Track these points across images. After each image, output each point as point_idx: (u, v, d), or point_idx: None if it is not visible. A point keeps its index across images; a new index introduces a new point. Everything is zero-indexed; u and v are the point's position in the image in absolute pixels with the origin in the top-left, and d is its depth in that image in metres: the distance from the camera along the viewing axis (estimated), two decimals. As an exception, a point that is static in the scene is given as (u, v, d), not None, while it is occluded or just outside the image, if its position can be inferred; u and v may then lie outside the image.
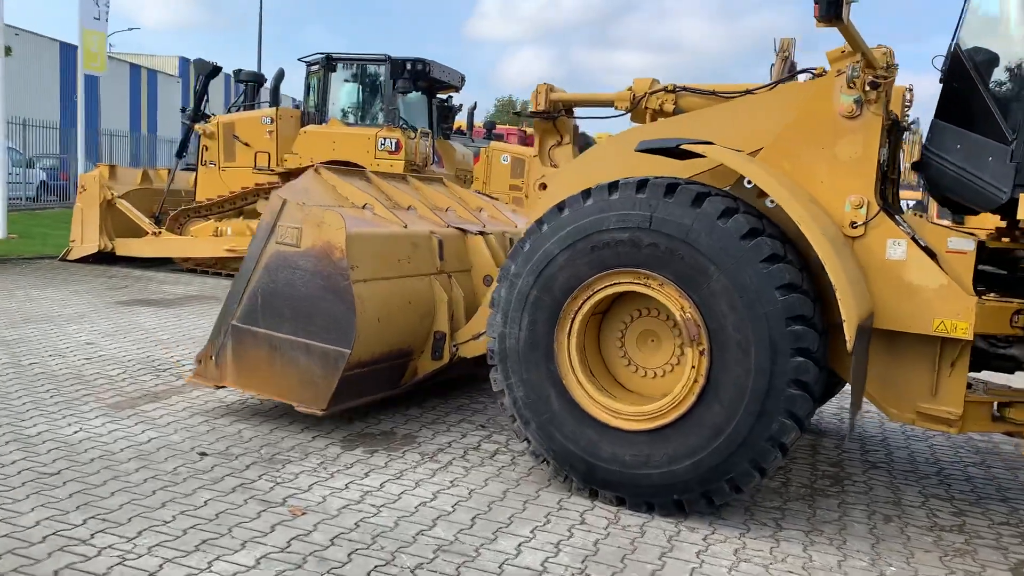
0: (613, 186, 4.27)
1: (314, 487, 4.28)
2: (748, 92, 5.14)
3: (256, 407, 5.58)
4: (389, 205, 5.83)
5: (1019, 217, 3.83)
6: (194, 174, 13.78)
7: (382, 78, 12.33)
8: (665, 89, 5.28)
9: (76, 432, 4.87)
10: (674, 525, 4.11)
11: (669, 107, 5.25)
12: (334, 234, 4.92)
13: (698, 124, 4.68)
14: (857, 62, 4.17)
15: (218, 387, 5.34)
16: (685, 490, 4.09)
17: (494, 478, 4.59)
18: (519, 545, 3.76)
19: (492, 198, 8.18)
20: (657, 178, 4.21)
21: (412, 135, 12.07)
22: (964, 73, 4.21)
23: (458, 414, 5.80)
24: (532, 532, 3.91)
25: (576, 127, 5.82)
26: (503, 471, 4.72)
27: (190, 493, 4.09)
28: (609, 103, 5.52)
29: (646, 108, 5.31)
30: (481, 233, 6.07)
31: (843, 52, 4.33)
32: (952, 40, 4.30)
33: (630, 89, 5.40)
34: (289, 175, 12.32)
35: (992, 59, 4.22)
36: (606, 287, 4.28)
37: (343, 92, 12.83)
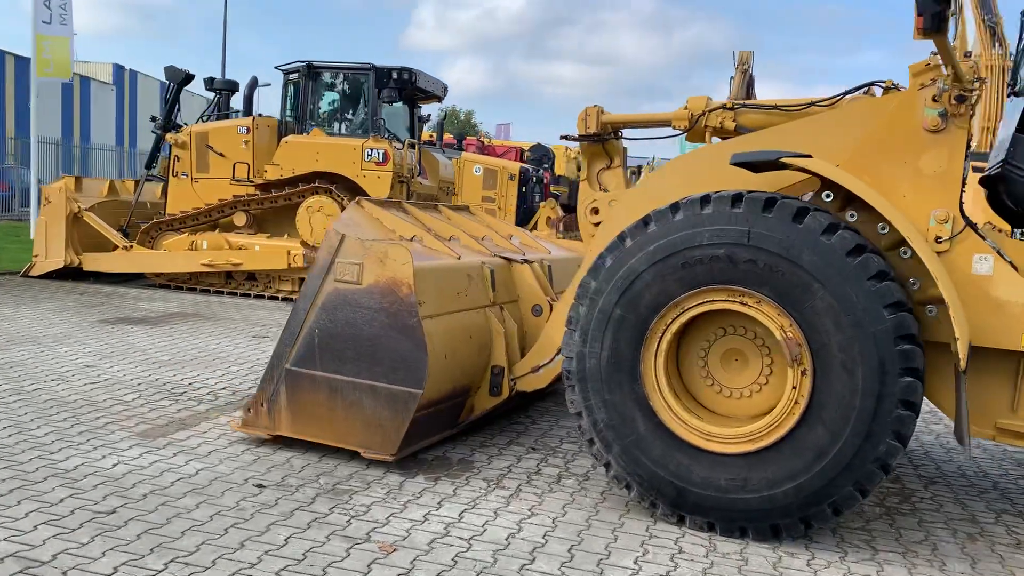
0: (705, 200, 4.14)
1: (392, 520, 4.05)
2: (812, 104, 5.10)
3: (295, 433, 5.30)
4: (435, 236, 5.60)
5: None
6: (162, 185, 13.28)
7: (366, 87, 12.05)
8: (724, 107, 5.19)
9: (116, 465, 4.54)
10: (772, 550, 3.99)
11: (730, 124, 5.16)
12: (400, 269, 4.68)
13: (773, 140, 4.59)
14: (946, 76, 4.13)
15: (272, 436, 5.01)
16: (784, 515, 3.97)
17: (570, 505, 4.41)
18: (629, 577, 3.60)
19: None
20: (753, 192, 4.10)
21: (399, 146, 11.83)
22: None
23: (504, 436, 5.61)
24: (636, 563, 3.75)
25: (625, 150, 5.68)
26: (576, 496, 4.54)
27: (264, 530, 3.82)
28: (666, 123, 5.39)
29: (706, 127, 5.21)
30: (525, 261, 5.89)
31: (927, 65, 4.29)
32: None
33: (686, 108, 5.30)
34: (269, 187, 11.97)
35: None
36: (697, 305, 4.14)
37: (325, 101, 12.50)
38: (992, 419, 4.30)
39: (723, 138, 5.30)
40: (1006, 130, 4.81)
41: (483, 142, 27.12)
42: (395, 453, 4.68)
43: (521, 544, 3.86)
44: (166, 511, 3.96)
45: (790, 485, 3.93)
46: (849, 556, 3.99)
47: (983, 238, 4.27)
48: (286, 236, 11.98)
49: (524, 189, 17.81)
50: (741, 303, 4.07)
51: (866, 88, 5.02)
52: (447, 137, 19.51)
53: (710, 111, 5.20)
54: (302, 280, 11.85)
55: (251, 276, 12.04)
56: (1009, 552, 4.20)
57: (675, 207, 4.21)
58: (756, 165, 4.32)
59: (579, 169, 6.00)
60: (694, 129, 5.26)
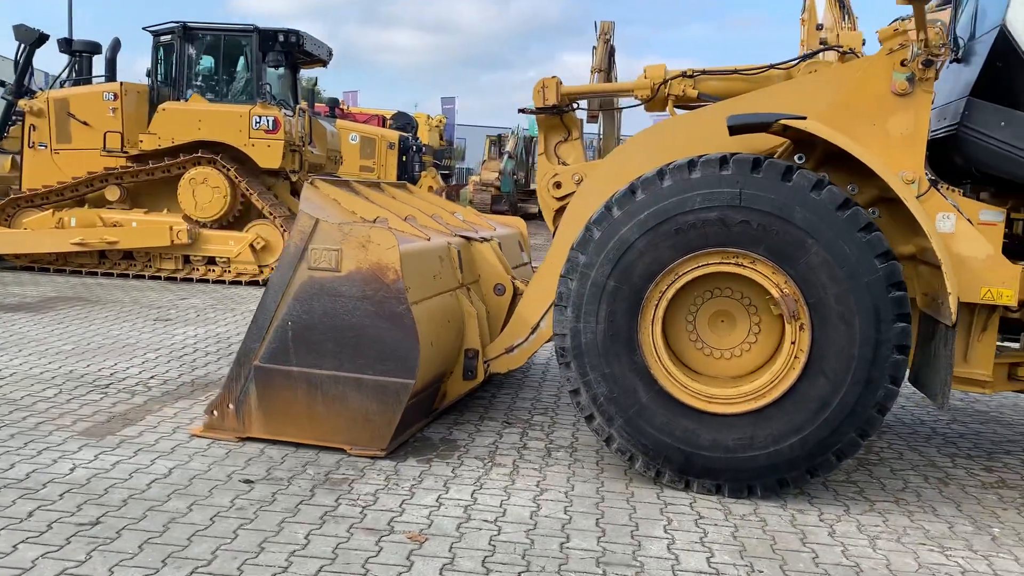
0: (692, 164, 4.13)
1: (405, 507, 3.85)
2: (771, 67, 5.19)
3: (258, 421, 4.93)
4: (395, 216, 5.31)
5: None
6: (11, 157, 12.04)
7: (249, 50, 11.31)
8: (683, 74, 5.20)
9: (74, 469, 4.07)
10: (782, 508, 4.09)
11: (692, 92, 5.18)
12: (385, 254, 4.40)
13: (750, 106, 4.63)
14: (919, 41, 4.28)
15: (242, 440, 4.61)
16: (792, 468, 4.08)
17: (573, 478, 4.35)
18: (668, 547, 3.58)
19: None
20: (738, 154, 4.13)
21: (289, 113, 11.22)
22: (1011, 52, 4.43)
23: (472, 412, 5.46)
24: (667, 532, 3.74)
25: (582, 122, 5.59)
26: (575, 469, 4.48)
27: (277, 529, 3.54)
28: (627, 92, 5.35)
29: (669, 95, 5.20)
30: (484, 239, 5.70)
31: (895, 31, 4.43)
32: (1000, 18, 4.51)
33: (646, 77, 5.27)
34: (145, 158, 11.10)
35: None
36: (692, 270, 4.15)
37: (202, 65, 11.64)
38: None
39: (684, 107, 5.32)
40: (945, 96, 5.05)
41: (342, 109, 26.31)
42: (385, 448, 4.44)
43: (548, 522, 3.76)
44: (158, 517, 3.59)
45: (796, 438, 4.03)
46: (852, 509, 4.15)
47: (945, 198, 4.50)
48: (165, 211, 11.17)
49: (404, 158, 17.41)
50: (736, 264, 4.11)
51: (821, 52, 5.16)
52: (319, 106, 18.73)
53: (671, 79, 5.20)
54: (187, 258, 11.13)
55: (128, 255, 11.16)
56: (980, 492, 4.50)
57: (661, 173, 4.18)
58: (738, 128, 4.34)
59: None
60: (656, 98, 5.25)
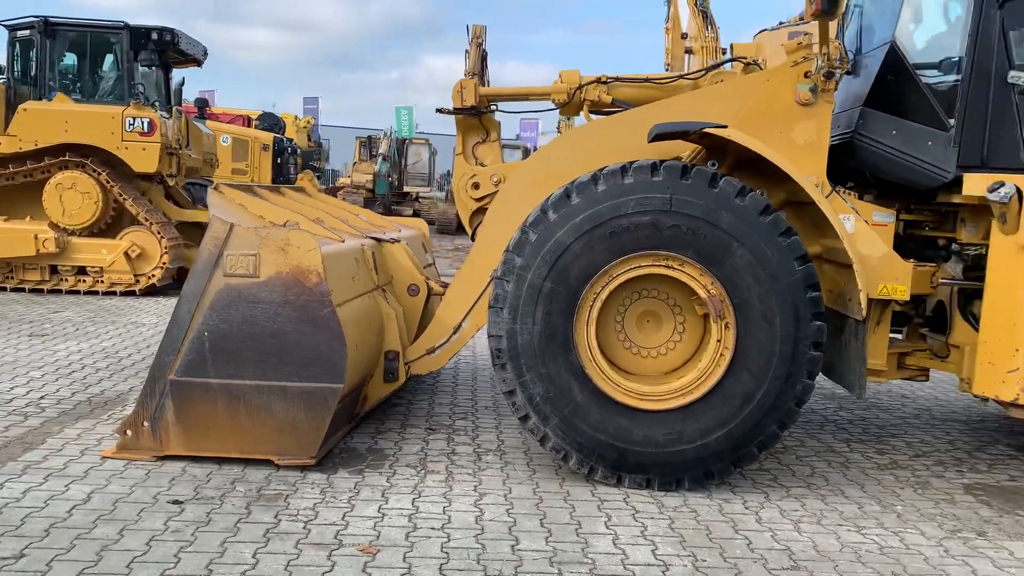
0: (624, 170, 4.28)
1: (349, 519, 3.79)
2: (680, 77, 5.42)
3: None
4: (308, 219, 5.20)
5: (966, 192, 4.49)
6: None
7: (119, 48, 10.70)
8: (598, 80, 5.35)
9: (-20, 500, 3.79)
10: (708, 499, 4.29)
11: (606, 98, 5.34)
12: (306, 257, 4.29)
13: (665, 113, 4.82)
14: (822, 54, 4.58)
15: (159, 459, 4.39)
16: (717, 460, 4.28)
17: (509, 481, 4.40)
18: (614, 543, 3.69)
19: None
20: (668, 161, 4.31)
21: (165, 114, 10.71)
22: (901, 66, 4.81)
23: (393, 419, 5.42)
24: (609, 528, 3.85)
25: (499, 124, 5.65)
26: (508, 472, 4.54)
27: (222, 550, 3.42)
28: (544, 96, 5.45)
29: (584, 100, 5.34)
30: (395, 240, 5.66)
31: (799, 44, 4.73)
32: (890, 35, 4.88)
33: (562, 81, 5.39)
34: (5, 161, 10.34)
35: (929, 53, 4.87)
36: (626, 272, 4.29)
37: (66, 63, 10.93)
38: None
39: (599, 112, 5.48)
40: (839, 106, 5.40)
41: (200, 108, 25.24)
42: (315, 455, 4.36)
43: (495, 526, 3.80)
44: (89, 545, 3.40)
45: (721, 432, 4.24)
46: (771, 496, 4.40)
47: (845, 200, 4.85)
48: (28, 218, 10.42)
49: (279, 160, 16.92)
50: (667, 266, 4.29)
51: (726, 64, 5.43)
52: (185, 106, 17.91)
53: (586, 85, 5.34)
54: (54, 268, 10.46)
55: (-17, 266, 10.36)
56: (878, 473, 4.86)
57: (595, 178, 4.31)
58: (663, 136, 4.52)
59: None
60: (572, 103, 5.38)
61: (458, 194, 5.49)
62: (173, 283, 10.75)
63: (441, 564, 3.40)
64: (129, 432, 4.44)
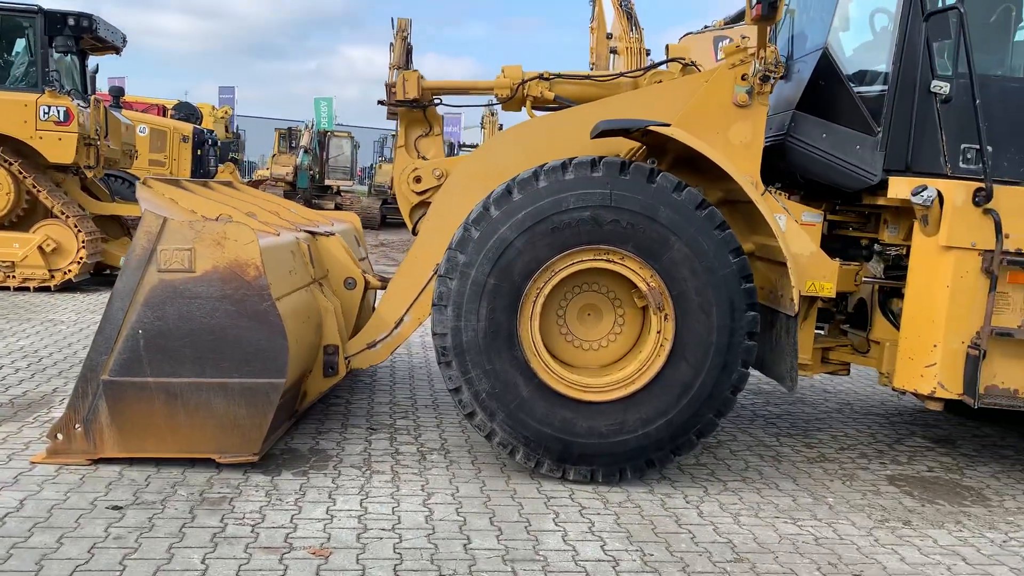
0: (564, 166, 4.35)
1: (297, 522, 3.76)
2: (621, 75, 5.51)
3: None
4: (241, 213, 5.10)
5: (891, 195, 4.69)
6: None
7: (32, 33, 10.23)
8: (540, 76, 5.40)
9: (-95, 510, 3.61)
10: (650, 494, 4.40)
11: (549, 95, 5.39)
12: (243, 250, 4.21)
13: (608, 111, 4.89)
14: (759, 58, 4.73)
15: (94, 462, 4.25)
16: (658, 448, 4.39)
17: (455, 480, 4.42)
18: (564, 539, 3.75)
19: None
20: (607, 157, 4.39)
21: (83, 103, 10.30)
22: (832, 72, 4.99)
23: (332, 419, 5.37)
24: (557, 525, 3.91)
25: (442, 118, 5.63)
26: (453, 471, 4.55)
27: (169, 556, 3.35)
28: (487, 91, 5.47)
29: (527, 96, 5.38)
30: (329, 233, 5.60)
31: (737, 47, 4.88)
32: (822, 41, 5.07)
33: (505, 76, 5.42)
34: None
35: (858, 61, 5.07)
36: (568, 266, 4.35)
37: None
38: None
39: (542, 108, 5.53)
40: (771, 109, 5.57)
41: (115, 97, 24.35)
42: (258, 452, 4.29)
43: (445, 525, 3.82)
44: (27, 554, 3.28)
45: (662, 421, 4.35)
46: (710, 490, 4.53)
47: (777, 200, 5.02)
48: (-67, 212, 9.90)
49: (199, 152, 16.45)
50: (607, 260, 4.37)
51: (664, 63, 5.53)
52: (100, 94, 17.23)
53: (528, 80, 5.38)
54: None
55: None
56: (808, 466, 5.06)
57: (536, 174, 4.36)
58: (607, 132, 4.60)
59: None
60: (514, 98, 5.42)
61: (399, 187, 5.47)
62: (91, 279, 10.38)
63: (395, 565, 3.40)
64: (60, 436, 4.29)
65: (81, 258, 9.96)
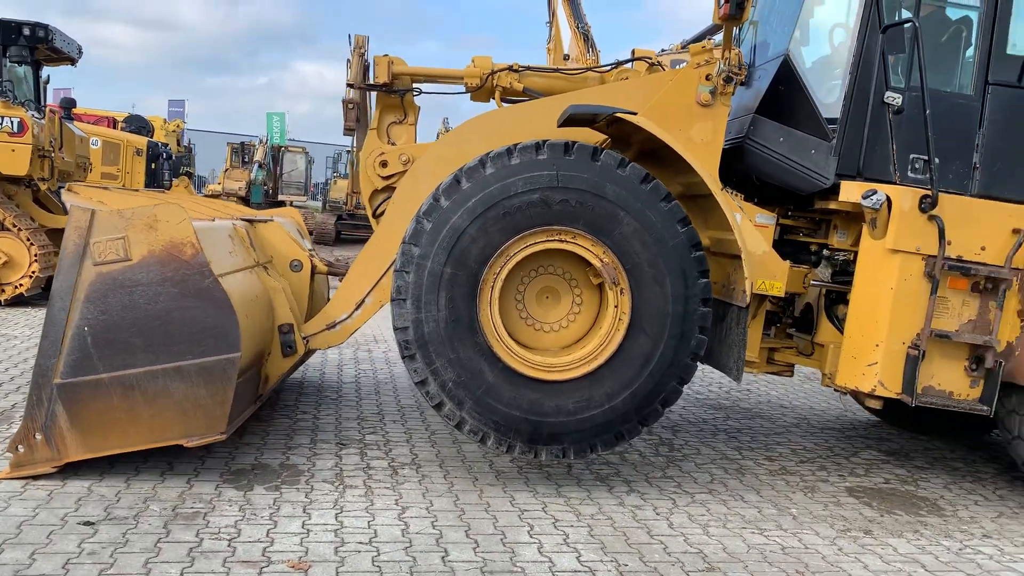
0: (510, 152, 4.42)
1: (273, 536, 3.75)
2: (588, 70, 5.63)
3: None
4: None
5: (842, 198, 4.85)
6: None
7: (-15, 43, 10.04)
8: (510, 68, 5.49)
9: None
10: (621, 506, 4.47)
11: (518, 86, 5.48)
12: (177, 229, 4.16)
13: (579, 103, 4.97)
14: (724, 59, 4.88)
15: (62, 477, 4.18)
16: (625, 420, 4.48)
17: (429, 494, 4.44)
18: (539, 551, 3.81)
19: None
20: (551, 140, 4.46)
21: (37, 114, 10.12)
22: (792, 78, 5.17)
23: (301, 435, 5.35)
24: (532, 537, 3.97)
25: (419, 108, 5.67)
26: (426, 484, 4.58)
27: (146, 571, 3.33)
28: (458, 79, 5.53)
29: (496, 86, 5.46)
30: (268, 220, 5.62)
31: (703, 47, 5.03)
32: (784, 48, 5.25)
33: (475, 66, 5.50)
34: None
35: (817, 68, 5.25)
36: (522, 249, 4.42)
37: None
38: None
39: (510, 99, 5.62)
40: (732, 113, 5.71)
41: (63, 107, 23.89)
42: (224, 430, 4.24)
43: (422, 539, 3.85)
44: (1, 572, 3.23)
45: (626, 393, 4.44)
46: (678, 502, 4.63)
47: (733, 199, 5.18)
48: None
49: (154, 166, 16.21)
50: (560, 240, 4.45)
51: (631, 61, 5.66)
52: (51, 106, 16.91)
53: (498, 71, 5.47)
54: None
55: None
56: (770, 479, 5.20)
57: (483, 162, 4.43)
58: (573, 119, 4.68)
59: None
60: (484, 88, 5.50)
61: (364, 170, 5.49)
62: (42, 293, 10.15)
63: (375, 578, 3.42)
64: (21, 448, 4.22)
65: (33, 272, 9.75)
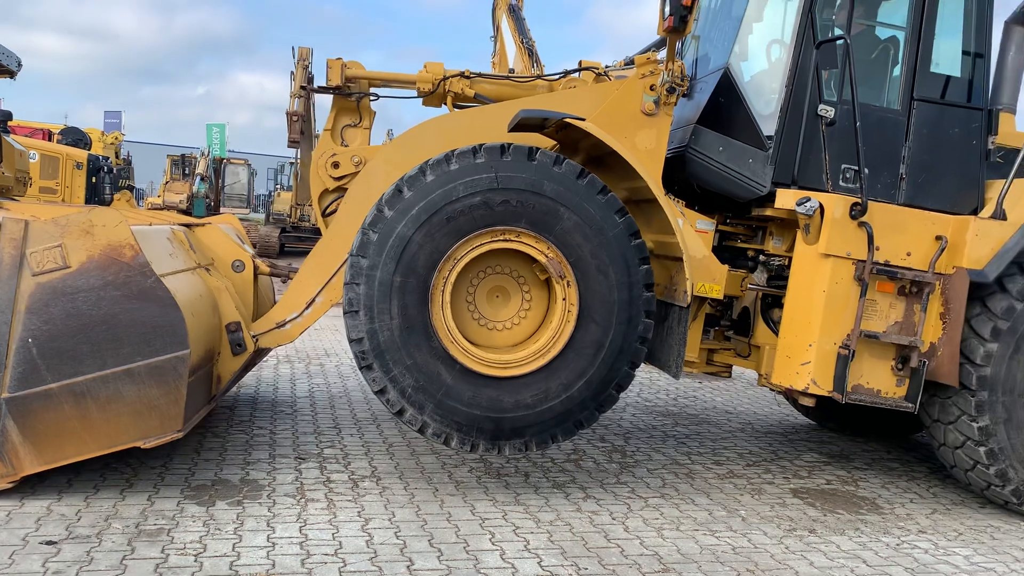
0: (448, 158, 4.54)
1: (239, 550, 3.80)
2: (538, 78, 5.81)
3: None
4: None
5: (778, 205, 5.08)
6: None
7: (-80, 56, 9.78)
8: (461, 74, 5.62)
9: None
10: (578, 512, 4.61)
11: (469, 92, 5.61)
12: (115, 232, 4.18)
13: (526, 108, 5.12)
14: (668, 69, 5.09)
15: (16, 483, 4.17)
16: (583, 409, 4.62)
17: (390, 505, 4.53)
18: (502, 558, 3.92)
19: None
20: (487, 144, 4.59)
21: (-25, 130, 9.91)
22: (731, 90, 5.41)
23: (259, 450, 5.37)
24: (494, 544, 4.08)
25: (374, 113, 5.75)
26: (387, 496, 4.66)
27: (114, 589, 3.35)
28: (410, 84, 5.62)
29: (448, 92, 5.58)
30: (207, 223, 5.66)
31: (648, 59, 5.23)
32: (724, 62, 5.48)
33: (427, 72, 5.61)
34: None
35: (755, 82, 5.50)
36: (469, 252, 4.55)
37: None
38: None
39: (461, 104, 5.74)
40: (674, 124, 5.91)
41: (-2, 121, 23.28)
42: (181, 428, 4.28)
43: (387, 549, 3.93)
44: (-36, 593, 3.23)
45: (581, 382, 4.59)
46: (632, 506, 4.79)
47: (675, 205, 5.38)
48: None
49: (95, 180, 15.92)
50: (505, 240, 4.58)
51: (578, 71, 5.83)
52: (-15, 117, 16.49)
53: (450, 77, 5.60)
54: None
55: None
56: (719, 482, 5.39)
57: (423, 170, 4.55)
58: (525, 124, 4.82)
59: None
60: (436, 93, 5.62)
61: (315, 171, 5.56)
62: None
63: (343, 588, 3.49)
64: None
65: (-28, 289, 9.53)
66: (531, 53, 21.13)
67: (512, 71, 20.52)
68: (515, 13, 16.12)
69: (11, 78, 11.44)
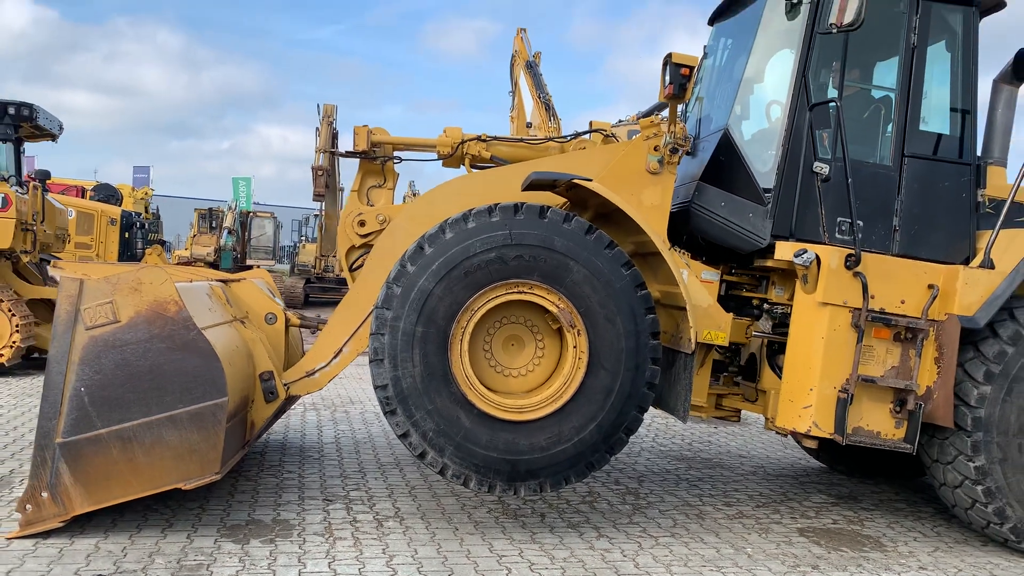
0: (466, 217, 4.89)
1: (274, 584, 4.09)
2: (549, 140, 6.20)
3: (77, 518, 4.81)
4: None
5: (777, 257, 5.38)
6: None
7: (-29, 122, 10.40)
8: (478, 138, 6.02)
9: None
10: (591, 549, 4.86)
11: (486, 154, 6.02)
12: (160, 290, 4.58)
13: (538, 170, 5.47)
14: (670, 132, 5.44)
15: (66, 522, 4.51)
16: (594, 451, 4.89)
17: (413, 543, 4.80)
18: (518, 591, 4.18)
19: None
20: (502, 203, 4.93)
21: (20, 189, 10.46)
22: (731, 149, 5.75)
23: (288, 492, 5.67)
24: (511, 579, 4.34)
25: (398, 175, 6.16)
26: (410, 535, 4.93)
27: (160, 618, 3.64)
28: (431, 147, 6.05)
29: (466, 154, 5.99)
30: (241, 279, 6.05)
31: (652, 122, 5.60)
32: (724, 123, 5.83)
33: (447, 136, 6.02)
34: None
35: (753, 141, 5.83)
36: (485, 304, 4.86)
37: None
38: None
39: (479, 166, 6.14)
40: (679, 180, 6.24)
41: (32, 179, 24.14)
42: (219, 471, 4.59)
43: (411, 583, 4.20)
44: (25, 621, 3.53)
45: (592, 425, 4.86)
46: (643, 544, 5.03)
47: (680, 257, 5.69)
48: None
49: (127, 235, 16.51)
50: (518, 292, 4.90)
51: (588, 133, 6.22)
52: (27, 176, 17.19)
53: (468, 140, 6.00)
54: None
55: None
56: (728, 522, 5.62)
57: (443, 228, 4.90)
58: (537, 184, 5.19)
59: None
60: (454, 156, 6.03)
61: (343, 229, 5.97)
62: (23, 362, 10.37)
63: (370, 617, 3.76)
64: (29, 507, 4.52)
65: (15, 342, 9.98)
66: (548, 107, 21.72)
67: (529, 125, 21.07)
68: (532, 69, 16.77)
69: (53, 141, 12.11)
